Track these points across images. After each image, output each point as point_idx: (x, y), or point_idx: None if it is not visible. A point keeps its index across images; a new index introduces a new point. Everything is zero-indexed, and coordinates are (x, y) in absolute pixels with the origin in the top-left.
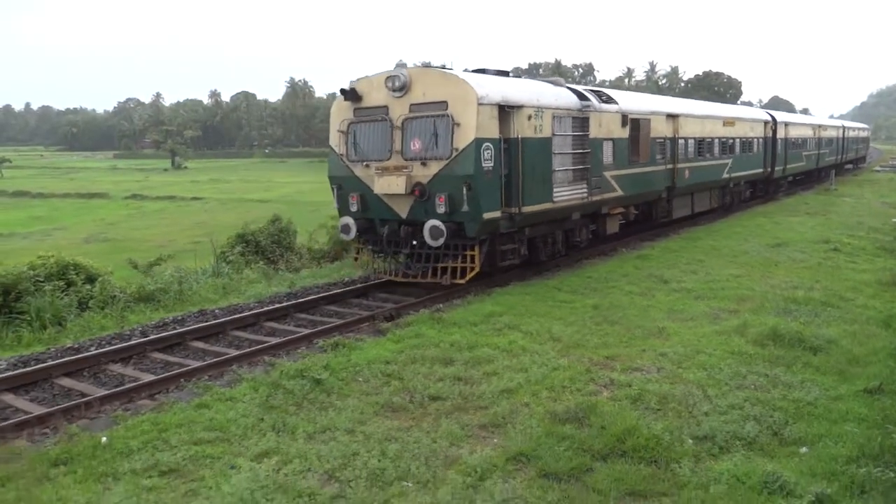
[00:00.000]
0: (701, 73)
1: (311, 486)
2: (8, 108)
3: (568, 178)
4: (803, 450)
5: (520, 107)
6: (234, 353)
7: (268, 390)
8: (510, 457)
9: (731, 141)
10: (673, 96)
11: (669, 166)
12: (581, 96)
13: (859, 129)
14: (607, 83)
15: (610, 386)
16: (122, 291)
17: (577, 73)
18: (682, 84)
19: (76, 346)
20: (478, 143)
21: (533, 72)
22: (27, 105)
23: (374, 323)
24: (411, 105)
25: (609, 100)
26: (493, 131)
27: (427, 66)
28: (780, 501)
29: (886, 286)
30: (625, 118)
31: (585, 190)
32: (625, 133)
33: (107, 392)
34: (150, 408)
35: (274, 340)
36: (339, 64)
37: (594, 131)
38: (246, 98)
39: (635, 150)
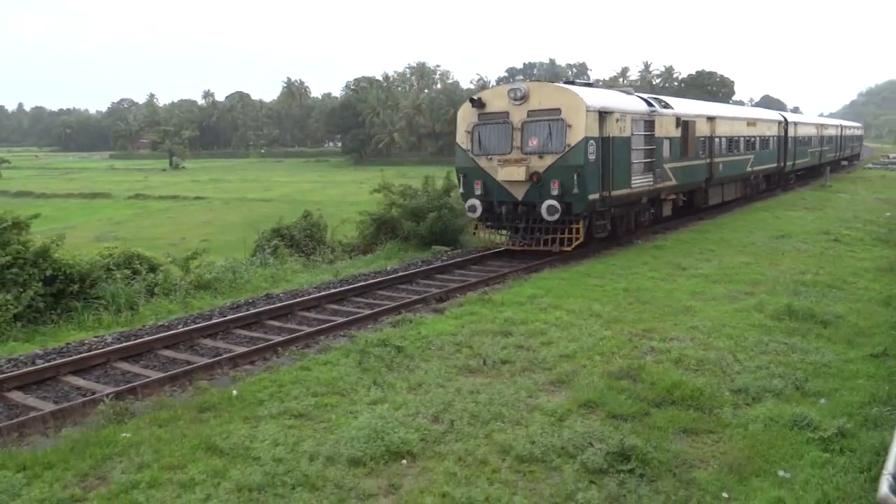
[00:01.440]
0: (694, 73)
1: (424, 424)
2: (0, 108)
3: (640, 169)
4: (822, 401)
5: (611, 112)
6: (309, 329)
7: (358, 356)
8: (581, 404)
9: (753, 139)
10: (668, 96)
11: (708, 160)
12: (648, 103)
13: (854, 127)
14: (601, 82)
15: (652, 352)
16: (181, 279)
17: (570, 72)
18: (676, 83)
19: (167, 324)
20: (586, 140)
21: (527, 71)
22: (20, 105)
23: (428, 304)
24: (529, 111)
25: (667, 105)
26: (595, 131)
27: (541, 81)
28: (808, 434)
29: (884, 272)
30: (678, 120)
31: (651, 179)
32: (678, 133)
33: (220, 357)
34: (260, 370)
35: (341, 319)
36: (333, 64)
37: (658, 131)
38: (241, 98)
39: (685, 146)
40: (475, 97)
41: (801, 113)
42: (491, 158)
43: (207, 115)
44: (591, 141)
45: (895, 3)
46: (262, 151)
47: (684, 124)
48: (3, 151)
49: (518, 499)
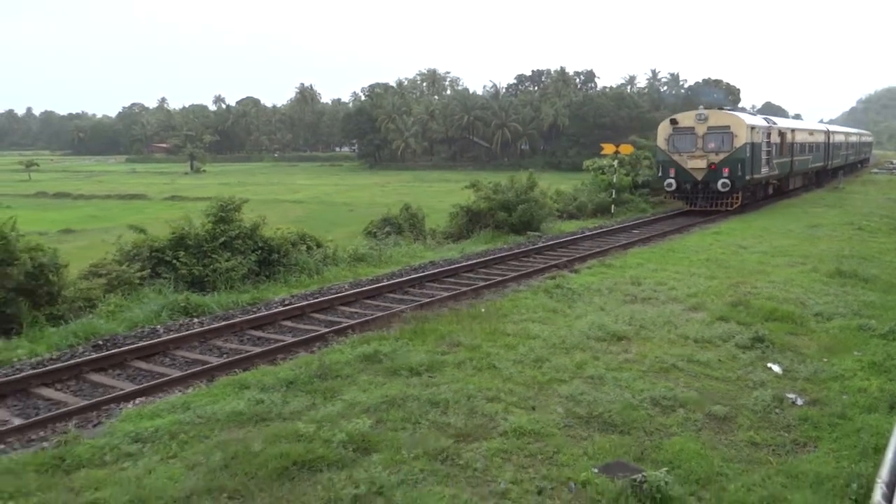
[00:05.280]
0: (701, 81)
1: (623, 325)
2: (11, 112)
3: (764, 162)
4: (872, 321)
5: (754, 127)
6: (486, 281)
7: (544, 295)
8: (716, 317)
9: (812, 144)
10: (675, 104)
11: (790, 159)
12: (767, 120)
13: (866, 134)
14: (608, 89)
15: (748, 294)
16: (343, 253)
17: (578, 80)
18: (683, 91)
19: (372, 278)
20: (745, 144)
21: (536, 78)
22: (28, 109)
23: (560, 268)
24: (708, 126)
25: (774, 123)
26: (748, 139)
27: (714, 108)
28: (870, 333)
29: None
30: (779, 132)
31: (768, 169)
32: (778, 139)
33: (445, 295)
34: (482, 302)
35: (499, 278)
36: (341, 70)
37: (771, 139)
38: (255, 104)
39: (781, 149)
40: (672, 118)
41: (801, 119)
42: (681, 154)
43: (222, 119)
44: (747, 144)
45: (895, 11)
46: (276, 155)
47: (781, 134)
48: (15, 155)
49: (708, 355)
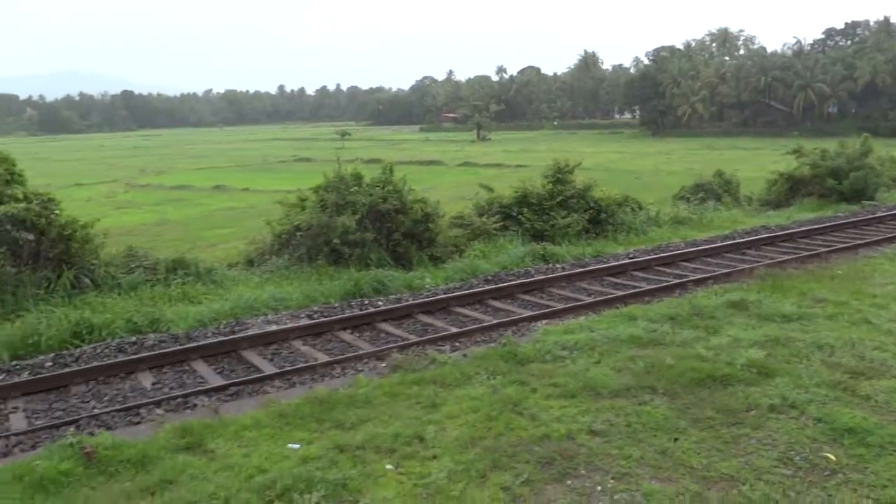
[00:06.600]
0: None
1: None
2: (324, 89)
3: None
4: None
5: None
6: (826, 248)
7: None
8: None
9: None
10: None
11: None
12: None
13: None
14: None
15: None
16: (663, 215)
17: None
18: None
19: (706, 239)
20: None
21: (849, 32)
22: (338, 86)
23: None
24: None
25: None
26: None
27: None
28: None
29: None
30: None
31: None
32: None
33: (788, 257)
34: (832, 263)
35: (840, 245)
36: (621, 36)
37: None
38: (536, 73)
39: None
40: None
41: None
42: None
43: (505, 89)
44: None
45: None
46: (556, 123)
47: None
48: (328, 125)
49: None
